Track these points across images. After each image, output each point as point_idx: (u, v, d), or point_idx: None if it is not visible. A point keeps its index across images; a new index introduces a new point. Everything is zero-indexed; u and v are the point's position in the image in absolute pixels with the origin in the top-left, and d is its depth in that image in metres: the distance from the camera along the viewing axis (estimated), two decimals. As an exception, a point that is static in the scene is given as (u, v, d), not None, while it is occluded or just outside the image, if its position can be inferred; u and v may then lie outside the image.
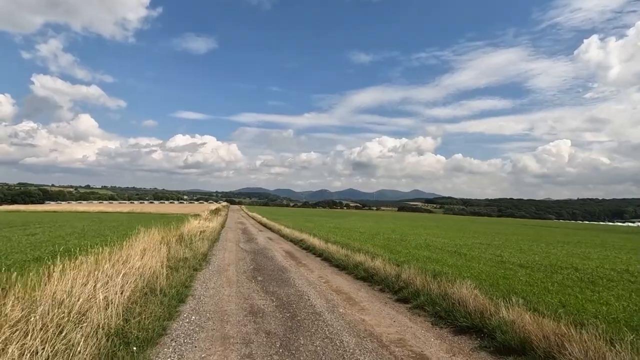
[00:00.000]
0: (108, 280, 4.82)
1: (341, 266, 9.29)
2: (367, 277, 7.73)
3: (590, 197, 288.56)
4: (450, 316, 4.97)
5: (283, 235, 19.12)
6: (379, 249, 12.66)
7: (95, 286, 4.42)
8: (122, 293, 4.59)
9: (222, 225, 25.47)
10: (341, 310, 5.58)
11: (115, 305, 4.19)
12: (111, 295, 4.37)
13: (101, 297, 4.13)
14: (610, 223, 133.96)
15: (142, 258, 6.77)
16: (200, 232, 17.28)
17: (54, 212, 54.32)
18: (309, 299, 6.15)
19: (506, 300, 4.90)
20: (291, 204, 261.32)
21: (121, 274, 5.09)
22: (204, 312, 5.31)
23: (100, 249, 6.62)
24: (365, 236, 19.33)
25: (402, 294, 6.18)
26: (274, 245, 14.76)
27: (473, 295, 5.09)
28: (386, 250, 12.47)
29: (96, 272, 4.91)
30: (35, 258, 8.84)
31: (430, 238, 19.58)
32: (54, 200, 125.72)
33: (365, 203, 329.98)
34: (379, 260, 8.28)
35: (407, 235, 20.68)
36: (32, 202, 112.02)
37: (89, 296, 4.13)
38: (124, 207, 75.41)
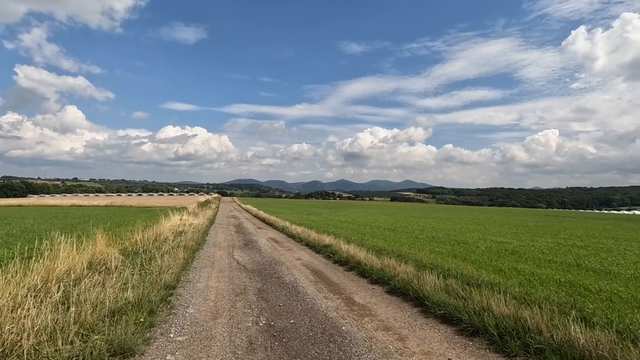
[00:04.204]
0: None
1: (462, 325, 4.30)
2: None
3: (578, 186, 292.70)
4: None
5: (291, 236, 14.22)
6: (457, 262, 7.94)
7: None
8: None
9: (212, 221, 20.32)
10: None
11: None
12: None
13: None
14: (606, 211, 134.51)
15: None
16: (178, 233, 12.27)
17: (19, 206, 47.98)
18: None
19: None
20: (284, 195, 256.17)
21: None
22: None
23: None
24: (400, 236, 14.60)
25: None
26: (285, 255, 9.88)
27: None
28: (470, 263, 7.76)
29: None
30: None
31: (487, 237, 14.92)
32: (37, 194, 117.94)
33: (358, 194, 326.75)
34: (542, 313, 3.47)
35: (451, 234, 16.02)
36: (15, 196, 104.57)
37: None
38: (103, 200, 69.12)
